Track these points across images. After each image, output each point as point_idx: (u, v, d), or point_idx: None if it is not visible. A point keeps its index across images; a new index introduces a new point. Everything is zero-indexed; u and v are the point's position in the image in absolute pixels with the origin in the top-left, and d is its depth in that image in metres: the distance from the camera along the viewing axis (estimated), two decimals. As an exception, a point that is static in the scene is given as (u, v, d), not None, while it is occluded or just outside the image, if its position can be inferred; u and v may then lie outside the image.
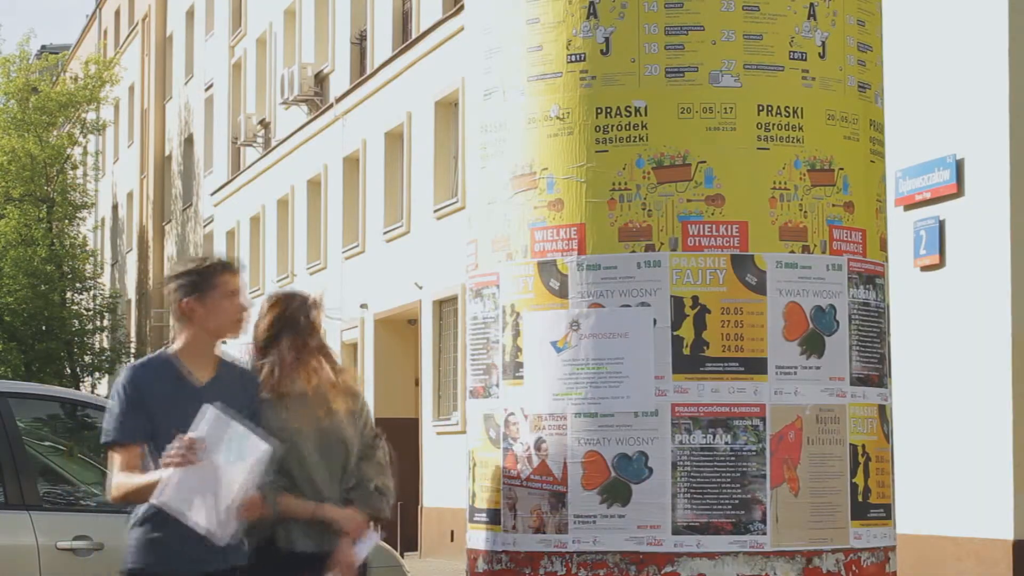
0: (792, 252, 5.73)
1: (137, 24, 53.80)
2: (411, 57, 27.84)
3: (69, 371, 46.54)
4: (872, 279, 5.94)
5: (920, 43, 15.50)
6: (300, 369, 6.12)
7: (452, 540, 26.01)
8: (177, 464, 5.46)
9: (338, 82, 33.02)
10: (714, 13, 5.72)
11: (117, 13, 58.88)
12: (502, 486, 5.85)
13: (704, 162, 5.69)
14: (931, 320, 15.29)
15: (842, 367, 5.79)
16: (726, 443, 5.63)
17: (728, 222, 5.69)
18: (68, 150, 48.03)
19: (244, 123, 39.24)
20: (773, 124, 5.74)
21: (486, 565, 5.90)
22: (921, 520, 14.86)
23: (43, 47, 64.61)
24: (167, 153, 50.33)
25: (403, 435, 26.36)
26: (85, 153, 52.52)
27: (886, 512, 5.94)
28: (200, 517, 5.54)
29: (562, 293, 5.75)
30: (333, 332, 31.53)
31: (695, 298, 5.64)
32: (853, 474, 5.80)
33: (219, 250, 41.66)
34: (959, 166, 15.04)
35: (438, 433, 27.38)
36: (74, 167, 49.57)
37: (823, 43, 5.84)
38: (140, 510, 5.81)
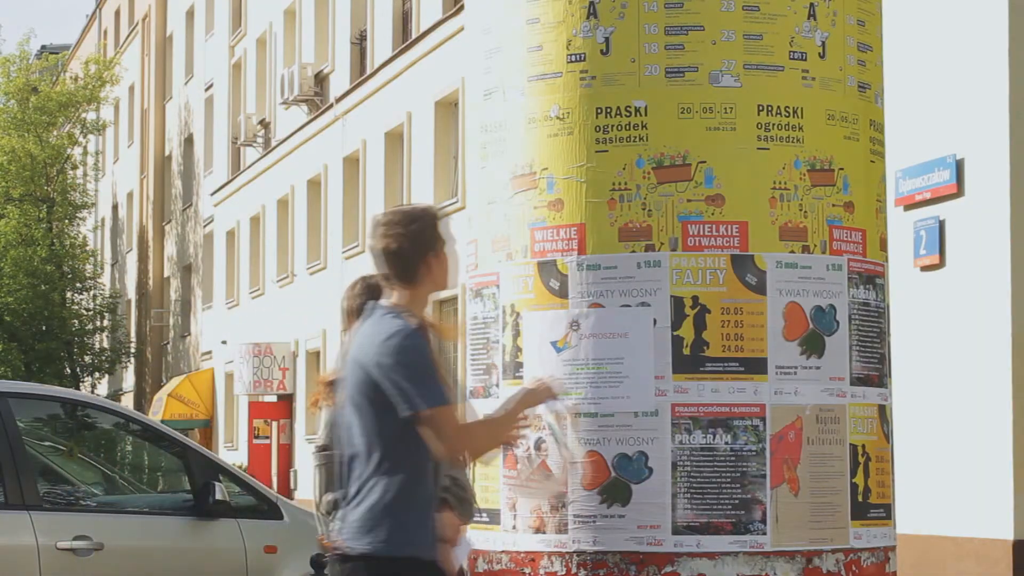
0: (792, 252, 5.73)
1: (137, 24, 53.80)
2: (411, 57, 27.84)
3: (69, 371, 46.54)
4: (872, 279, 5.94)
5: (920, 43, 15.50)
6: None
7: (452, 540, 25.97)
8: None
9: (338, 82, 33.02)
10: (714, 13, 5.72)
11: (117, 13, 58.88)
12: (502, 486, 5.85)
13: (704, 162, 5.69)
14: (931, 320, 15.29)
15: (842, 367, 5.79)
16: (726, 443, 5.63)
17: (728, 222, 5.69)
18: (68, 150, 48.04)
19: (244, 123, 39.23)
20: (773, 124, 5.74)
21: (486, 565, 5.90)
22: (921, 520, 14.86)
23: (43, 47, 64.62)
24: (167, 153, 50.34)
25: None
26: (85, 153, 52.53)
27: (886, 512, 5.94)
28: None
29: (562, 293, 5.75)
30: (333, 332, 31.56)
31: (695, 298, 5.64)
32: (853, 474, 5.80)
33: (219, 250, 41.69)
34: (959, 166, 15.04)
35: (438, 433, 27.32)
36: (74, 167, 49.58)
37: (823, 43, 5.85)
38: (419, 491, 5.24)
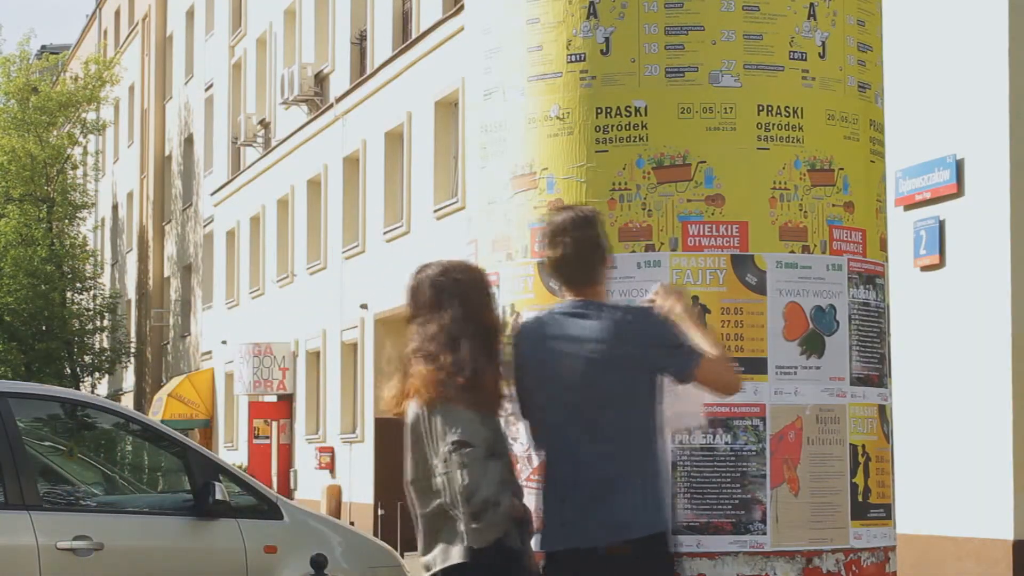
0: (792, 252, 5.73)
1: (137, 24, 53.79)
2: (411, 57, 27.83)
3: (69, 371, 46.51)
4: (872, 279, 5.94)
5: (920, 43, 15.50)
6: None
7: (452, 540, 25.96)
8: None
9: (338, 82, 33.01)
10: (714, 13, 5.72)
11: (117, 13, 58.85)
12: (502, 486, 5.84)
13: (704, 162, 5.69)
14: (931, 320, 15.28)
15: (842, 367, 5.79)
16: (726, 443, 5.63)
17: (728, 222, 5.69)
18: (68, 150, 48.02)
19: (244, 123, 39.22)
20: (773, 124, 5.74)
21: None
22: (921, 520, 14.86)
23: (43, 47, 64.57)
24: (167, 153, 50.32)
25: (403, 435, 26.27)
26: (85, 153, 52.50)
27: (886, 512, 5.94)
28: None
29: (562, 293, 5.74)
30: (333, 332, 31.56)
31: (695, 298, 5.64)
32: (853, 474, 5.80)
33: (219, 250, 41.69)
34: (959, 166, 15.03)
35: (438, 433, 27.30)
36: (74, 167, 49.56)
37: (823, 43, 5.85)
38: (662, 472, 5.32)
